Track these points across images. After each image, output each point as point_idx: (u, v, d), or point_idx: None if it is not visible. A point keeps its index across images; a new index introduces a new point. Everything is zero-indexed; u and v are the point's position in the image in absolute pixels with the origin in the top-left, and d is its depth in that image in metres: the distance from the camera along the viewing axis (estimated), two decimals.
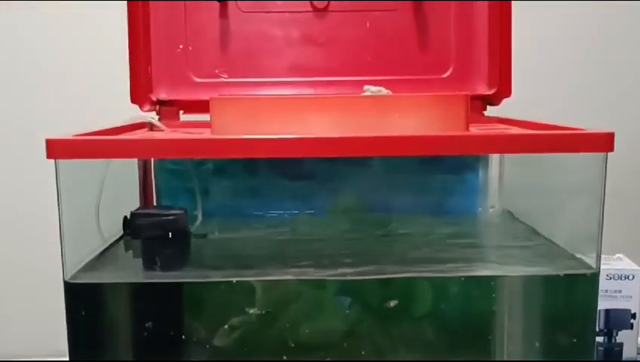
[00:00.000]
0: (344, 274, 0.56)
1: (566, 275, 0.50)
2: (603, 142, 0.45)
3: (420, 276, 0.57)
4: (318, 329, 0.65)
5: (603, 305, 0.69)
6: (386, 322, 0.65)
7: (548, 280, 0.53)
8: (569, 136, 0.46)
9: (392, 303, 0.63)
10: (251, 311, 0.63)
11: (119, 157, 0.44)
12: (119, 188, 0.63)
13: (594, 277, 0.48)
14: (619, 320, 0.69)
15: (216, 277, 0.56)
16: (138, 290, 0.55)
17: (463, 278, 0.59)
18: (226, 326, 0.63)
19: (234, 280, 0.56)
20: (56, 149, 0.44)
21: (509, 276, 0.58)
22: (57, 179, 0.46)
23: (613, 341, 0.70)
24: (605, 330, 0.70)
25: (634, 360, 0.70)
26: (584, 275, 0.48)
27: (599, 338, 0.70)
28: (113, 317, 0.53)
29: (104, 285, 0.51)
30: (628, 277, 0.68)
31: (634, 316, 0.69)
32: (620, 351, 0.70)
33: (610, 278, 0.69)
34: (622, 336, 0.70)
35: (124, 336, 0.57)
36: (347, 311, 0.66)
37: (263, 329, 0.64)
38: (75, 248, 0.48)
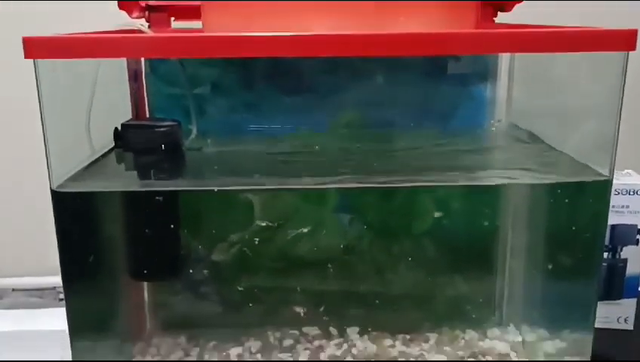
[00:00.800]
0: (344, 182, 0.53)
1: (579, 183, 0.48)
2: (624, 40, 0.42)
3: (425, 185, 0.54)
4: (317, 244, 0.64)
5: (609, 220, 0.67)
6: (387, 237, 0.64)
7: (559, 188, 0.51)
8: (588, 33, 0.42)
9: (437, 214, 0.62)
10: (251, 225, 0.62)
11: (102, 56, 0.41)
12: (109, 100, 0.60)
13: (606, 185, 0.46)
14: (624, 235, 0.68)
15: (211, 186, 0.54)
16: (129, 199, 0.53)
17: (468, 187, 0.57)
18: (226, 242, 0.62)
19: (230, 188, 0.54)
20: (34, 48, 0.41)
21: (519, 184, 0.56)
22: (38, 81, 0.43)
23: (617, 256, 0.69)
24: (610, 246, 0.68)
25: (638, 275, 0.69)
26: (597, 182, 0.46)
27: (603, 254, 0.68)
28: (103, 228, 0.51)
29: (93, 194, 0.49)
30: (637, 192, 0.66)
31: (639, 231, 0.68)
32: (624, 267, 0.69)
33: (618, 193, 0.67)
34: (627, 252, 0.68)
35: (115, 248, 0.56)
36: (347, 227, 0.65)
37: (262, 243, 0.63)
38: (61, 156, 0.46)
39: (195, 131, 0.64)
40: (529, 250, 0.62)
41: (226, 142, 0.63)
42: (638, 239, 0.68)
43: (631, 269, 0.69)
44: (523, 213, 0.62)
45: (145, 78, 0.65)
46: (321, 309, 0.64)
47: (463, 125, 0.66)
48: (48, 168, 0.44)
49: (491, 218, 0.63)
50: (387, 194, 0.62)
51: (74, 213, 0.47)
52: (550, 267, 0.56)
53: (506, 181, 0.55)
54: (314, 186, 0.55)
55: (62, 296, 0.99)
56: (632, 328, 0.70)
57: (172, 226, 0.56)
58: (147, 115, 0.65)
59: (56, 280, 0.97)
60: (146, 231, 0.55)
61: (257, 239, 0.62)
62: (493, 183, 0.56)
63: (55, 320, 0.95)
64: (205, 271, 0.62)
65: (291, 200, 0.63)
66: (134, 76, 0.64)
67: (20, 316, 0.98)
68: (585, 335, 0.54)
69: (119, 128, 0.58)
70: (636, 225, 0.67)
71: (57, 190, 0.45)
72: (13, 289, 1.02)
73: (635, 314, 0.70)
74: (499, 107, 0.66)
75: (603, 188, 0.46)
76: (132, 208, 0.55)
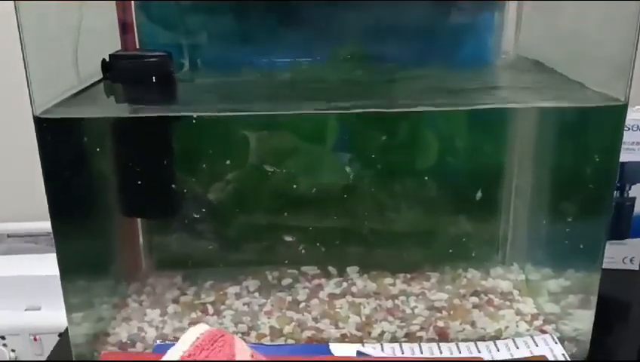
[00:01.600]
0: (344, 108, 0.51)
1: (592, 109, 0.45)
2: None
3: (428, 110, 0.51)
4: (317, 181, 0.62)
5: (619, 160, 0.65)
6: (389, 174, 0.62)
7: (572, 115, 0.48)
8: None
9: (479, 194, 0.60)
10: (249, 160, 0.60)
11: None
12: (97, 31, 0.57)
13: (622, 111, 0.43)
14: (634, 173, 0.66)
15: (206, 111, 0.51)
16: (119, 128, 0.50)
17: (473, 114, 0.54)
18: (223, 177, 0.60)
19: (225, 114, 0.51)
20: None
21: (527, 111, 0.54)
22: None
23: (625, 195, 0.67)
24: (618, 184, 0.66)
25: None
26: (612, 108, 0.44)
27: None
28: (92, 160, 0.49)
29: (80, 121, 0.46)
30: None
31: None
32: (632, 206, 0.67)
33: (629, 129, 0.64)
34: (635, 190, 0.67)
35: (106, 183, 0.54)
36: (347, 164, 0.62)
37: (260, 179, 0.61)
38: (44, 83, 0.43)
39: (187, 64, 0.61)
40: (536, 186, 0.59)
41: (221, 75, 0.60)
42: None
43: (639, 208, 0.67)
44: (530, 145, 0.59)
45: (134, 10, 0.61)
46: (321, 248, 0.63)
47: (470, 57, 0.63)
48: (30, 94, 0.41)
49: (496, 151, 0.61)
50: (389, 125, 0.59)
51: (60, 142, 0.44)
52: (558, 202, 0.54)
53: (514, 105, 0.52)
54: (312, 111, 0.53)
55: None
56: (637, 268, 0.69)
57: (165, 159, 0.54)
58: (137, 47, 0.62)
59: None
60: (138, 164, 0.52)
61: (255, 175, 0.60)
62: (500, 106, 0.53)
63: (50, 265, 0.95)
64: (201, 208, 0.61)
65: (289, 134, 0.60)
66: (122, 10, 0.60)
67: (15, 261, 0.98)
68: (592, 273, 0.52)
69: (107, 59, 0.55)
70: None
71: (41, 116, 0.42)
72: (8, 235, 1.01)
73: None
74: (506, 39, 0.63)
75: (618, 114, 0.44)
76: (122, 138, 0.52)
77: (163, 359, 0.34)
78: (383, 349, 0.47)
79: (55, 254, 0.98)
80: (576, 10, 0.52)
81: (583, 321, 0.53)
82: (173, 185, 0.57)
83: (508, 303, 0.58)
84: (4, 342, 0.89)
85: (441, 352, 0.46)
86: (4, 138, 0.97)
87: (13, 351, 0.90)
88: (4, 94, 0.88)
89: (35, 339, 0.89)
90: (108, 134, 0.52)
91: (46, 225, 0.99)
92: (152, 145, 0.53)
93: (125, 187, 0.55)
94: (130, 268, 0.63)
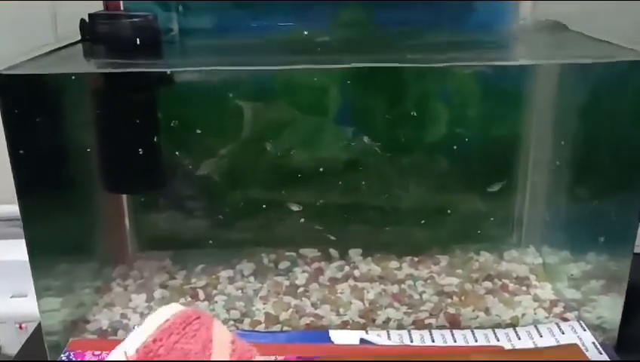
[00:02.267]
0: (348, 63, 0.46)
1: (618, 64, 0.40)
2: None
3: (438, 66, 0.46)
4: (317, 156, 0.57)
5: None
6: (395, 147, 0.57)
7: (595, 73, 0.43)
8: None
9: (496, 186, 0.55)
10: (244, 130, 0.55)
11: None
12: None
13: None
14: None
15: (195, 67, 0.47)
16: (97, 88, 0.45)
17: (489, 74, 0.49)
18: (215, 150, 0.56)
19: (216, 68, 0.46)
20: None
21: (549, 68, 0.48)
22: None
23: None
24: None
25: None
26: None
27: None
28: (64, 127, 0.44)
29: (45, 78, 0.41)
30: None
31: None
32: None
33: None
34: None
35: (85, 154, 0.49)
36: (349, 138, 0.57)
37: (255, 152, 0.56)
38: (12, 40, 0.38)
39: (176, 29, 0.56)
40: (556, 159, 0.54)
41: (211, 40, 0.55)
42: None
43: None
44: (550, 112, 0.54)
45: None
46: (321, 229, 0.58)
47: (484, 22, 0.58)
48: None
49: (512, 119, 0.56)
50: (394, 90, 0.54)
51: (25, 103, 0.39)
52: (583, 178, 0.50)
53: (533, 62, 0.47)
54: (311, 66, 0.48)
55: None
56: None
57: (149, 127, 0.49)
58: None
59: None
60: (119, 131, 0.47)
61: (250, 147, 0.55)
62: (518, 63, 0.48)
63: None
64: (192, 183, 0.56)
65: (286, 102, 0.55)
66: None
67: (1, 246, 0.93)
68: (623, 256, 0.47)
69: (86, 19, 0.50)
70: None
71: (3, 72, 0.37)
72: None
73: None
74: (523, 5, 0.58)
75: None
76: (100, 101, 0.47)
77: (119, 346, 0.29)
78: (389, 337, 0.42)
79: None
80: None
81: (609, 309, 0.48)
82: (158, 157, 0.52)
83: (524, 289, 0.53)
84: None
85: (455, 340, 0.41)
86: None
87: None
88: None
89: (20, 328, 0.85)
90: (84, 97, 0.47)
91: None
92: (133, 110, 0.48)
93: (104, 158, 0.50)
94: (114, 249, 0.58)
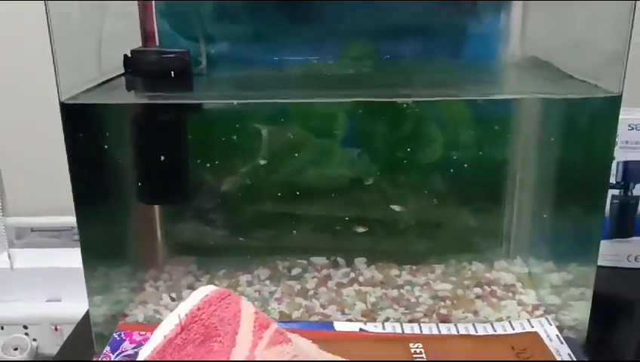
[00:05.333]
0: (354, 97, 0.53)
1: (589, 100, 0.47)
2: None
3: (435, 100, 0.54)
4: (326, 175, 0.65)
5: (622, 156, 0.67)
6: (395, 168, 0.65)
7: (569, 106, 0.50)
8: None
9: (398, 208, 0.62)
10: (262, 153, 0.63)
11: None
12: (118, 30, 0.60)
13: (615, 102, 0.45)
14: (637, 172, 0.67)
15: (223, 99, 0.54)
16: (137, 115, 0.53)
17: (479, 106, 0.57)
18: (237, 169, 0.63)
19: (242, 101, 0.54)
20: None
21: (529, 104, 0.55)
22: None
23: (629, 194, 0.68)
24: (622, 183, 0.68)
25: None
26: (606, 99, 0.45)
27: (614, 191, 0.68)
28: (113, 148, 0.52)
29: (104, 107, 0.49)
30: None
31: None
32: (636, 205, 0.68)
33: (633, 129, 0.66)
34: (639, 189, 0.68)
35: (127, 171, 0.57)
36: (356, 159, 0.65)
37: (272, 172, 0.63)
38: (70, 70, 0.46)
39: (204, 62, 0.64)
40: (538, 180, 0.61)
41: (235, 71, 0.63)
42: None
43: None
44: (533, 138, 0.61)
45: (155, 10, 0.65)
46: (329, 239, 0.65)
47: (476, 57, 0.65)
48: (57, 79, 0.45)
49: (501, 144, 0.63)
50: (396, 118, 0.62)
51: (83, 128, 0.47)
52: (555, 196, 0.56)
53: (516, 96, 0.54)
54: (323, 100, 0.56)
55: (76, 237, 1.02)
56: None
57: (182, 148, 0.57)
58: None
59: (74, 220, 1.00)
60: (156, 152, 0.55)
61: (267, 166, 0.63)
62: (504, 97, 0.56)
63: (71, 258, 0.98)
64: (216, 198, 0.63)
65: (301, 127, 0.63)
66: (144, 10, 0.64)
67: (38, 254, 1.01)
68: (589, 266, 0.53)
69: (129, 55, 0.58)
70: None
71: (66, 102, 0.45)
72: (32, 229, 1.05)
73: None
74: (513, 39, 0.65)
75: (612, 105, 0.46)
76: (142, 127, 0.55)
77: (172, 313, 0.37)
78: (384, 327, 0.49)
79: (75, 248, 1.02)
80: (576, 10, 0.54)
81: (581, 312, 0.54)
82: (187, 173, 0.60)
83: (510, 294, 0.60)
84: (26, 331, 0.93)
85: (439, 331, 0.48)
86: (30, 134, 1.01)
87: (34, 340, 0.93)
88: (28, 93, 0.92)
89: (56, 329, 0.92)
90: (128, 122, 0.55)
91: (68, 220, 1.03)
92: (169, 134, 0.56)
93: (144, 175, 0.57)
94: (147, 254, 0.65)
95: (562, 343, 0.46)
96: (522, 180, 0.64)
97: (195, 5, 0.63)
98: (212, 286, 0.40)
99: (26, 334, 0.93)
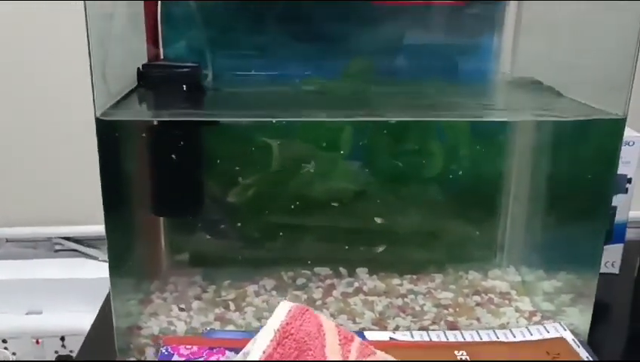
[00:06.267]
0: (355, 116, 0.56)
1: (592, 121, 0.51)
2: None
3: (434, 119, 0.57)
4: (329, 189, 0.66)
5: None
6: (395, 182, 0.67)
7: (573, 128, 0.54)
8: None
9: (379, 220, 0.65)
10: (269, 166, 0.64)
11: None
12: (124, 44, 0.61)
13: (620, 124, 0.49)
14: (615, 184, 0.72)
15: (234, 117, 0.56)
16: (150, 130, 0.54)
17: (476, 125, 0.60)
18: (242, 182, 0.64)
19: (254, 120, 0.55)
20: None
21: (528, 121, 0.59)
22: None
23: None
24: None
25: (625, 222, 0.73)
26: (611, 121, 0.49)
27: None
28: (126, 158, 0.52)
29: (130, 122, 0.50)
30: (628, 143, 0.70)
31: (629, 181, 0.72)
32: (614, 214, 0.73)
33: None
34: (616, 200, 0.73)
35: (141, 183, 0.57)
36: (358, 172, 0.67)
37: (277, 185, 0.65)
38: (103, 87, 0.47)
39: (210, 75, 0.65)
40: (532, 195, 0.65)
41: (240, 86, 0.65)
42: (627, 188, 0.72)
43: (619, 216, 0.73)
44: (528, 156, 0.65)
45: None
46: (332, 250, 0.67)
47: (469, 76, 0.69)
48: (93, 96, 0.45)
49: (497, 161, 0.66)
50: (397, 135, 0.64)
51: (115, 143, 0.48)
52: (556, 210, 0.60)
53: (519, 118, 0.57)
54: (327, 119, 0.58)
55: (57, 246, 0.99)
56: (617, 272, 0.75)
57: (195, 163, 0.58)
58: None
59: (51, 230, 0.98)
60: (169, 165, 0.56)
61: (272, 179, 0.64)
62: (503, 119, 0.59)
63: (51, 269, 0.96)
64: (221, 210, 0.64)
65: (306, 142, 0.64)
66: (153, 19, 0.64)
67: (17, 266, 0.98)
68: (591, 276, 0.57)
69: (141, 68, 0.58)
70: (626, 175, 0.72)
71: (101, 118, 0.45)
72: (7, 240, 1.01)
73: (622, 259, 0.74)
74: (504, 58, 0.69)
75: (617, 127, 0.50)
76: (152, 142, 0.56)
77: (265, 329, 0.38)
78: (412, 336, 0.51)
79: (54, 259, 1.00)
80: (572, 31, 0.58)
81: (579, 318, 0.58)
82: (199, 187, 0.60)
83: (507, 302, 0.63)
84: (5, 345, 0.90)
85: (464, 338, 0.51)
86: (3, 143, 0.98)
87: (14, 354, 0.90)
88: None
89: (37, 342, 0.90)
90: (144, 137, 0.55)
91: (46, 230, 1.00)
92: (183, 148, 0.56)
93: (156, 187, 0.58)
94: (153, 266, 0.65)
95: (579, 346, 0.49)
96: (516, 193, 0.67)
97: (201, 18, 0.64)
98: (288, 302, 0.42)
99: (5, 348, 0.90)
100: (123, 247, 0.53)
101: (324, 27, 0.66)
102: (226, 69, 0.66)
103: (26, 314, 0.93)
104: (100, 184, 0.47)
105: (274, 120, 0.58)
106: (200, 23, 0.65)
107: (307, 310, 0.40)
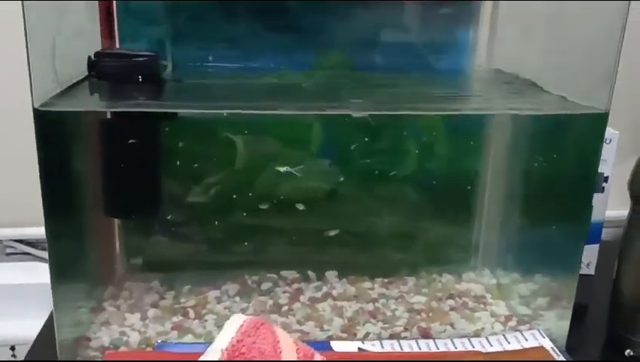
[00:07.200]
0: (325, 109, 0.52)
1: (573, 116, 0.48)
2: None
3: (409, 113, 0.54)
4: (297, 186, 0.63)
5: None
6: (367, 181, 0.64)
7: (555, 122, 0.51)
8: None
9: (333, 232, 0.62)
10: (231, 164, 0.60)
11: None
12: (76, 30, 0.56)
13: (603, 118, 0.46)
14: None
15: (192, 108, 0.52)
16: (101, 123, 0.49)
17: (451, 120, 0.57)
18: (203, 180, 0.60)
19: (210, 111, 0.52)
20: None
21: (504, 116, 0.56)
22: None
23: None
24: None
25: (601, 222, 0.71)
26: (593, 116, 0.47)
27: None
28: (77, 157, 0.48)
29: (75, 114, 0.45)
30: (605, 141, 0.68)
31: (606, 179, 0.70)
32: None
33: None
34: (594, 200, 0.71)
35: (89, 182, 0.52)
36: (327, 170, 0.63)
37: (241, 183, 0.61)
38: (42, 77, 0.42)
39: (170, 66, 0.61)
40: (508, 194, 0.63)
41: (204, 76, 0.60)
42: (603, 187, 0.70)
43: (595, 216, 0.71)
44: (504, 152, 0.63)
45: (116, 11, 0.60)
46: (299, 252, 0.63)
47: (445, 70, 0.65)
48: (31, 87, 0.40)
49: (471, 158, 0.64)
50: (369, 131, 0.61)
51: (56, 136, 0.43)
52: (534, 210, 0.57)
53: (493, 111, 0.54)
54: (295, 112, 0.54)
55: (9, 250, 0.94)
56: (593, 273, 0.73)
57: (149, 158, 0.53)
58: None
59: (1, 233, 0.92)
60: (121, 162, 0.51)
61: (236, 177, 0.60)
62: (481, 113, 0.56)
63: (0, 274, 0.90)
64: (181, 211, 0.60)
65: (272, 137, 0.61)
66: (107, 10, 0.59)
67: None
68: (570, 277, 0.55)
69: (92, 57, 0.54)
70: (602, 173, 0.69)
71: (40, 108, 0.41)
72: None
73: (597, 260, 0.72)
74: (480, 52, 0.66)
75: (599, 122, 0.47)
76: (106, 135, 0.51)
77: (211, 347, 0.34)
78: (382, 346, 0.47)
79: (6, 263, 0.93)
80: (547, 25, 0.55)
81: (557, 322, 0.55)
82: (154, 186, 0.56)
83: (482, 306, 0.60)
84: (13, 352, 0.84)
85: (437, 348, 0.48)
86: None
87: None
88: None
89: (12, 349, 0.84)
90: (91, 130, 0.51)
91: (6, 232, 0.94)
92: (134, 145, 0.52)
93: (108, 186, 0.53)
94: (106, 271, 0.61)
95: (559, 355, 0.46)
96: (491, 192, 0.65)
97: (162, 5, 0.60)
98: (241, 315, 0.37)
99: (13, 356, 0.84)
100: (68, 252, 0.48)
101: (296, 19, 0.62)
102: (188, 60, 0.61)
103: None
104: None
105: (224, 112, 0.54)
106: (163, 13, 0.61)
107: (262, 324, 0.36)
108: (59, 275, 0.46)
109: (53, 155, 0.43)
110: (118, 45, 0.60)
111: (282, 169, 0.58)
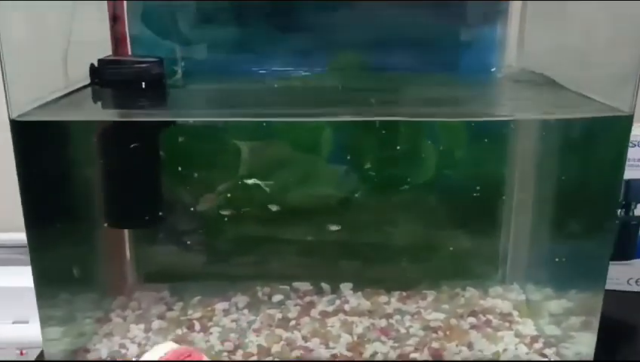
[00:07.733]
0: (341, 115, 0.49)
1: (598, 119, 0.43)
2: None
3: (429, 120, 0.50)
4: (311, 194, 0.60)
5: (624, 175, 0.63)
6: (385, 187, 0.60)
7: (577, 126, 0.46)
8: None
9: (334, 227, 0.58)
10: (241, 172, 0.58)
11: None
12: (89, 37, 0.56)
13: (628, 122, 0.41)
14: (639, 190, 0.63)
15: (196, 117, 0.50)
16: (99, 132, 0.48)
17: (475, 126, 0.53)
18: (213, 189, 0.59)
19: (217, 119, 0.50)
20: None
21: (530, 123, 0.51)
22: None
23: (631, 213, 0.64)
24: (623, 202, 0.64)
25: None
26: (617, 119, 0.42)
27: None
28: (69, 164, 0.47)
29: (56, 124, 0.44)
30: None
31: None
32: (638, 225, 0.65)
33: (634, 145, 0.62)
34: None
35: (90, 192, 0.52)
36: (342, 178, 0.60)
37: (251, 191, 0.59)
38: (24, 86, 0.41)
39: (180, 71, 0.60)
40: (538, 201, 0.57)
41: (215, 82, 0.59)
42: None
43: None
44: (533, 158, 0.57)
45: (127, 17, 0.60)
46: (314, 263, 0.61)
47: (472, 69, 0.61)
48: (6, 96, 0.40)
49: (498, 164, 0.59)
50: (387, 136, 0.57)
51: (37, 146, 0.42)
52: (560, 219, 0.52)
53: (516, 117, 0.50)
54: (309, 119, 0.51)
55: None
56: None
57: (151, 168, 0.52)
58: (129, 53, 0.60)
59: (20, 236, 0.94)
60: (121, 172, 0.50)
61: (247, 186, 0.58)
62: (502, 118, 0.52)
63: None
64: (189, 220, 0.59)
65: (284, 144, 0.58)
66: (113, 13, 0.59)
67: (2, 272, 0.95)
68: (595, 293, 0.49)
69: (95, 64, 0.53)
70: None
71: (17, 119, 0.40)
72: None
73: None
74: (509, 51, 0.61)
75: (624, 125, 0.42)
76: (106, 144, 0.50)
77: None
78: None
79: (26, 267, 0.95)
80: (581, 25, 0.50)
81: (585, 345, 0.50)
82: (159, 195, 0.55)
83: (507, 324, 0.56)
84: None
85: None
86: None
87: None
88: None
89: (21, 353, 0.86)
90: (90, 139, 0.50)
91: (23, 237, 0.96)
92: (136, 153, 0.51)
93: (108, 196, 0.53)
94: (115, 281, 0.60)
95: None
96: (520, 201, 0.59)
97: (173, 8, 0.59)
98: (170, 343, 0.35)
99: None
100: (58, 262, 0.48)
101: (310, 18, 0.59)
102: (198, 65, 0.60)
103: (13, 323, 0.90)
104: None
105: (217, 120, 0.52)
106: (175, 18, 0.60)
107: (188, 355, 0.34)
108: (44, 286, 0.46)
109: (31, 165, 0.42)
110: (129, 52, 0.60)
111: (250, 181, 0.55)
